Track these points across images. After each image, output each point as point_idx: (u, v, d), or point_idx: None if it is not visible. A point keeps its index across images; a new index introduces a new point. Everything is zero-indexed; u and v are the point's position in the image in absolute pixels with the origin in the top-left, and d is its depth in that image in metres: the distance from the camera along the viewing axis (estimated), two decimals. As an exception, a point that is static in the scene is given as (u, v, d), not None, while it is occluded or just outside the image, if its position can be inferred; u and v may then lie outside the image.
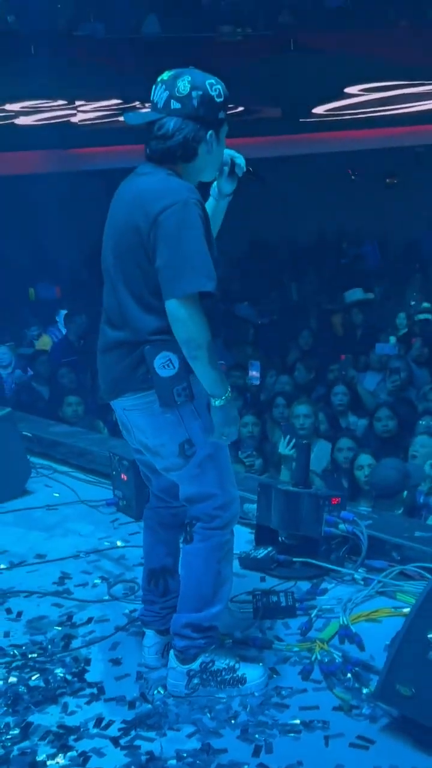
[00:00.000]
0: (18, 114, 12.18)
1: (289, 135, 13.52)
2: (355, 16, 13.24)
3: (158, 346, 2.63)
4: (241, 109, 12.29)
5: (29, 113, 12.24)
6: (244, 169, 2.93)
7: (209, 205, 2.96)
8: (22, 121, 12.28)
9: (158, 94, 2.67)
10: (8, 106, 11.96)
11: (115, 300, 2.74)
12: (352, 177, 15.06)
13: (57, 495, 4.78)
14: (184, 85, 2.64)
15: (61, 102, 12.12)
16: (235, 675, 2.83)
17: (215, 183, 2.96)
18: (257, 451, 6.16)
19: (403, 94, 13.09)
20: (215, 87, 2.67)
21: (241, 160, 2.92)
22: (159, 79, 2.69)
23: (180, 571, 2.94)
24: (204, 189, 2.96)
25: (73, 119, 12.41)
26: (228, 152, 2.88)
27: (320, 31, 12.97)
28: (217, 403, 2.66)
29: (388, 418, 6.34)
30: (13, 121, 12.25)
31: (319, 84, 12.51)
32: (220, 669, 2.82)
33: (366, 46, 12.54)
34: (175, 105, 2.64)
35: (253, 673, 2.85)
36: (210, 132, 2.68)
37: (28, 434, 5.25)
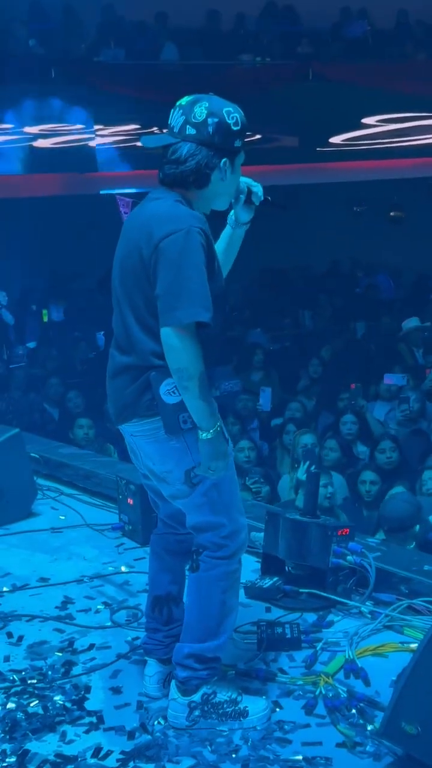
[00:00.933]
0: (36, 137, 12.27)
1: (306, 164, 13.58)
2: (373, 47, 13.34)
3: (164, 373, 2.61)
4: (258, 137, 12.36)
5: (47, 136, 12.32)
6: (262, 198, 2.91)
7: (225, 233, 2.95)
8: (40, 143, 12.37)
9: (175, 118, 2.67)
10: (27, 129, 12.05)
11: (122, 324, 2.73)
12: (356, 209, 15.09)
13: (63, 518, 4.74)
14: (200, 111, 2.63)
15: (79, 126, 12.21)
16: (237, 708, 2.77)
17: (232, 211, 2.94)
18: (264, 478, 6.11)
19: (420, 126, 13.15)
20: (233, 115, 2.66)
21: (258, 189, 2.90)
22: (177, 103, 2.69)
23: (184, 599, 2.90)
24: (222, 217, 2.95)
25: (91, 143, 12.49)
26: (245, 180, 2.87)
27: (339, 62, 13.07)
28: (204, 436, 2.61)
29: (392, 450, 6.30)
30: (31, 143, 12.34)
31: (336, 114, 12.59)
32: (221, 701, 2.77)
33: (384, 77, 12.65)
34: (190, 131, 2.64)
35: (255, 707, 2.79)
36: (224, 160, 2.66)
37: (36, 455, 5.22)
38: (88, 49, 12.81)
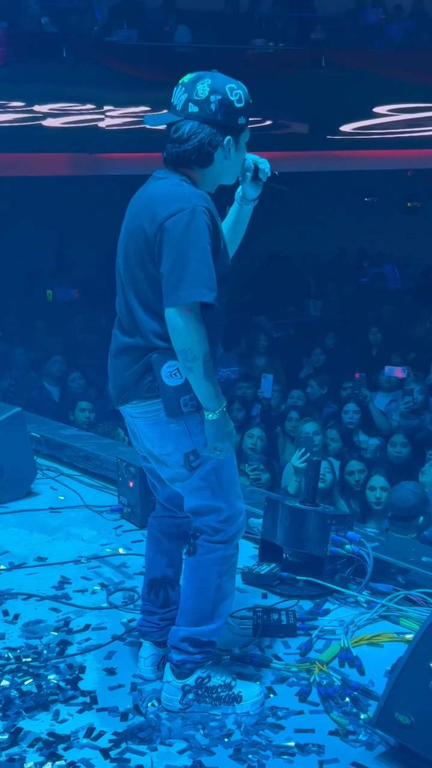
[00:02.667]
0: (46, 116, 12.22)
1: (316, 151, 13.51)
2: (388, 36, 13.24)
3: (166, 355, 2.59)
4: (269, 123, 12.30)
5: (57, 115, 12.26)
6: (269, 174, 2.85)
7: (233, 210, 2.92)
8: (49, 123, 12.31)
9: (177, 96, 2.63)
10: (37, 107, 11.99)
11: (125, 304, 2.72)
12: (366, 200, 15.03)
13: (62, 498, 4.74)
14: (203, 89, 2.58)
15: (89, 106, 12.15)
16: (230, 692, 2.77)
17: (240, 188, 2.91)
18: (265, 465, 6.11)
19: (431, 117, 13.06)
20: (236, 92, 2.61)
21: (265, 165, 2.85)
22: (180, 81, 2.65)
23: (181, 583, 2.89)
24: (230, 196, 2.92)
25: (101, 124, 12.43)
26: (251, 157, 2.82)
27: (352, 49, 12.97)
28: (210, 416, 2.60)
29: (403, 445, 6.28)
30: (40, 122, 12.28)
31: (348, 102, 12.51)
32: (215, 685, 2.77)
33: (397, 66, 12.55)
34: (192, 108, 2.59)
35: (249, 692, 2.79)
36: (228, 138, 2.62)
37: (36, 435, 5.22)
38: (100, 29, 12.72)
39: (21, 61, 11.28)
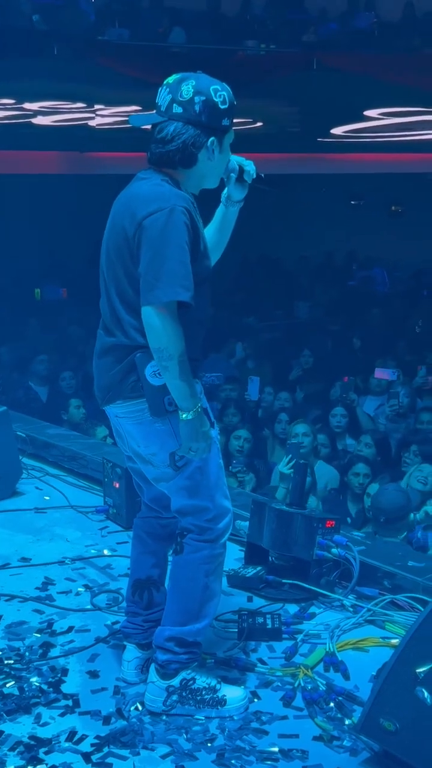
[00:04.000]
0: (36, 113, 12.16)
1: (306, 153, 13.50)
2: (380, 39, 13.25)
3: (150, 354, 2.58)
4: (259, 124, 12.28)
5: (47, 113, 12.22)
6: (254, 176, 2.84)
7: (219, 211, 2.91)
8: (39, 120, 12.26)
9: (162, 97, 2.63)
10: (27, 105, 11.93)
11: (108, 304, 2.71)
12: (353, 203, 15.05)
13: (47, 498, 4.71)
14: (187, 90, 2.58)
15: (80, 104, 12.11)
16: (215, 696, 2.75)
17: (225, 189, 2.89)
18: (248, 467, 6.09)
19: (423, 121, 13.07)
20: (220, 93, 2.60)
21: (250, 167, 2.83)
22: (165, 81, 2.64)
23: (167, 582, 2.87)
24: (215, 198, 2.90)
25: (91, 123, 12.39)
26: (236, 159, 2.81)
27: (344, 52, 12.97)
28: (185, 416, 2.58)
29: (367, 446, 6.30)
30: (30, 120, 12.23)
31: (339, 105, 12.51)
32: (200, 688, 2.75)
33: (389, 70, 12.56)
34: (177, 109, 2.59)
35: (233, 696, 2.77)
36: (212, 139, 2.62)
37: (22, 434, 5.18)
38: (92, 27, 12.68)
39: (12, 59, 11.21)
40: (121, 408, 2.70)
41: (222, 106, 2.61)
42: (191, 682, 2.75)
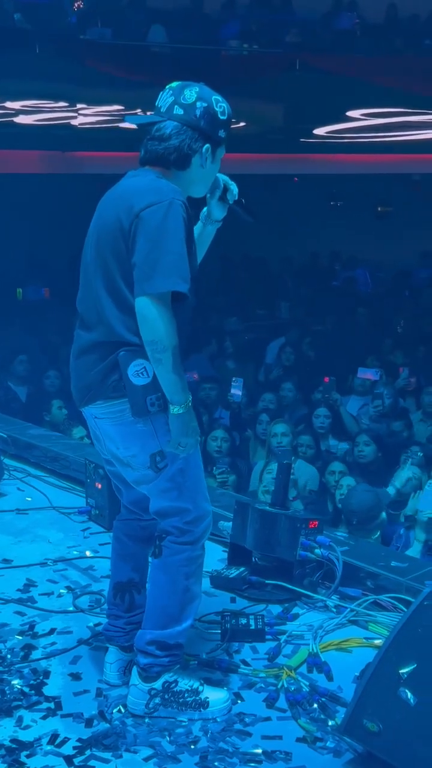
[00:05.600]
0: (18, 112, 12.11)
1: (289, 154, 13.52)
2: (362, 40, 13.28)
3: (133, 353, 2.56)
4: (242, 124, 12.28)
5: (30, 112, 12.16)
6: (236, 198, 2.88)
7: (196, 228, 2.91)
8: (21, 120, 12.21)
9: (164, 99, 2.68)
10: (9, 104, 11.88)
11: (92, 299, 2.67)
12: (332, 203, 15.10)
13: (29, 499, 4.68)
14: (190, 94, 2.65)
15: (62, 104, 12.06)
16: (197, 698, 2.74)
17: (205, 207, 2.92)
18: (231, 467, 6.08)
19: (405, 122, 13.12)
20: (220, 104, 2.68)
21: (234, 188, 2.87)
22: (168, 86, 2.70)
23: (147, 586, 2.85)
24: (194, 212, 2.89)
25: (74, 122, 12.35)
26: (222, 177, 2.84)
27: (326, 53, 12.99)
28: (176, 410, 2.58)
29: (365, 444, 6.29)
30: (12, 119, 12.17)
31: (321, 105, 12.52)
32: (182, 690, 2.73)
33: (371, 71, 12.59)
34: (178, 111, 2.65)
35: (216, 698, 2.76)
36: (207, 146, 2.66)
37: (4, 435, 5.15)
38: (74, 26, 12.63)
39: (-8, 57, 11.17)
40: (101, 408, 2.68)
41: (221, 117, 2.67)
42: (174, 684, 2.74)
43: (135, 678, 2.75)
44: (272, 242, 13.96)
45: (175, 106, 2.64)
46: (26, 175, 12.57)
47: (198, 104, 2.64)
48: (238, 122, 12.10)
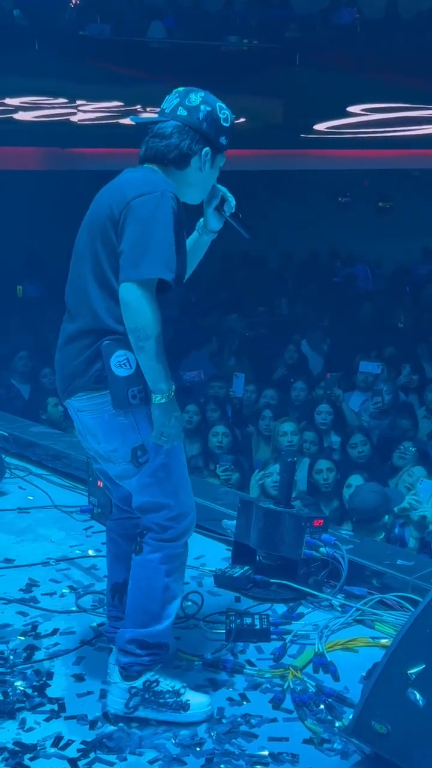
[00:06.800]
0: (17, 109, 12.07)
1: (289, 150, 13.49)
2: (362, 36, 13.25)
3: (117, 343, 2.54)
4: (242, 120, 12.25)
5: (29, 109, 12.13)
6: (233, 210, 2.89)
7: (191, 238, 2.92)
8: (21, 116, 12.17)
9: (169, 101, 2.74)
10: (8, 101, 11.85)
11: (80, 288, 2.66)
12: (341, 200, 15.07)
13: (31, 498, 4.64)
14: (195, 98, 2.70)
15: (62, 100, 12.03)
16: (178, 699, 2.69)
17: (202, 218, 2.92)
18: (234, 465, 6.04)
19: (404, 117, 13.10)
20: (224, 111, 2.72)
21: (232, 201, 2.89)
22: (175, 90, 2.75)
23: (129, 582, 2.80)
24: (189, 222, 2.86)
25: (73, 118, 12.32)
26: (221, 188, 2.86)
27: (326, 48, 12.96)
28: (158, 399, 2.55)
29: (363, 444, 6.28)
30: (11, 116, 12.14)
31: (322, 101, 12.50)
32: (163, 691, 2.69)
33: (371, 66, 12.56)
34: (181, 112, 2.69)
35: (197, 702, 2.70)
36: (206, 150, 2.69)
37: (5, 433, 5.11)
38: (73, 22, 12.60)
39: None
40: (83, 401, 2.65)
41: (224, 123, 2.72)
42: (155, 684, 2.69)
43: (116, 676, 2.71)
44: (272, 239, 13.92)
45: (180, 108, 2.69)
46: (25, 172, 12.53)
47: (202, 107, 2.68)
48: (238, 118, 12.04)
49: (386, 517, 4.73)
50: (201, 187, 2.77)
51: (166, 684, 2.70)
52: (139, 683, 2.69)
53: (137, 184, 2.59)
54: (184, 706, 2.68)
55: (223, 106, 2.73)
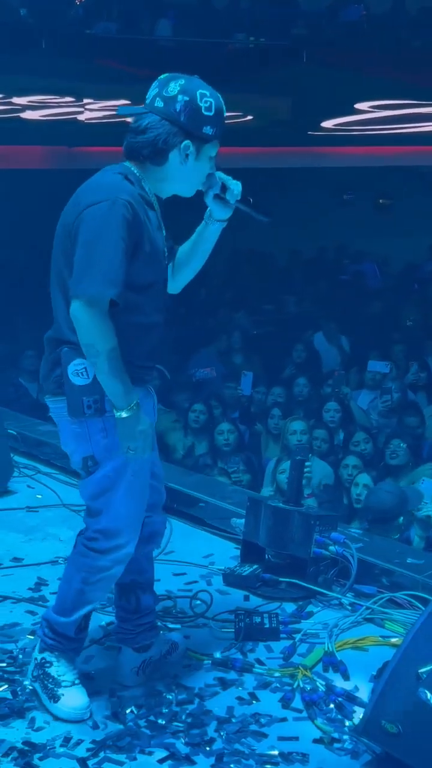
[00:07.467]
0: (25, 108, 12.08)
1: (296, 147, 13.47)
2: (369, 32, 13.21)
3: (76, 351, 2.50)
4: (249, 117, 12.23)
5: (36, 108, 12.13)
6: (239, 198, 2.69)
7: (199, 226, 2.79)
8: (28, 115, 12.18)
9: (150, 91, 2.58)
10: (15, 100, 11.85)
11: (52, 294, 2.65)
12: (346, 197, 15.02)
13: (39, 497, 4.64)
14: (174, 87, 2.52)
15: (69, 98, 12.03)
16: (55, 690, 2.69)
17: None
18: (246, 466, 6.03)
19: (413, 114, 13.06)
20: (207, 99, 2.53)
21: (235, 187, 2.68)
22: (158, 77, 2.60)
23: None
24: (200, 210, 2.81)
25: (80, 117, 12.32)
26: (221, 176, 2.67)
27: (333, 45, 12.93)
28: (119, 414, 2.50)
29: (365, 441, 6.27)
30: (19, 115, 12.15)
31: (329, 98, 12.47)
32: (49, 674, 2.71)
33: (379, 63, 12.52)
34: (158, 103, 2.53)
35: (70, 702, 2.68)
36: (186, 142, 2.53)
37: (13, 432, 5.11)
38: (79, 21, 12.60)
39: (-1, 53, 11.14)
40: (49, 402, 2.66)
41: (206, 113, 2.53)
42: (48, 665, 2.72)
43: (37, 643, 2.77)
44: (279, 236, 13.89)
45: (157, 99, 2.53)
46: (32, 171, 12.53)
47: (179, 97, 2.51)
48: (245, 116, 12.06)
49: (400, 518, 4.70)
50: (187, 181, 2.63)
51: (55, 670, 2.71)
52: (38, 658, 2.73)
53: (91, 191, 2.50)
54: (55, 698, 2.69)
55: (206, 92, 2.54)
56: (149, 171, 2.57)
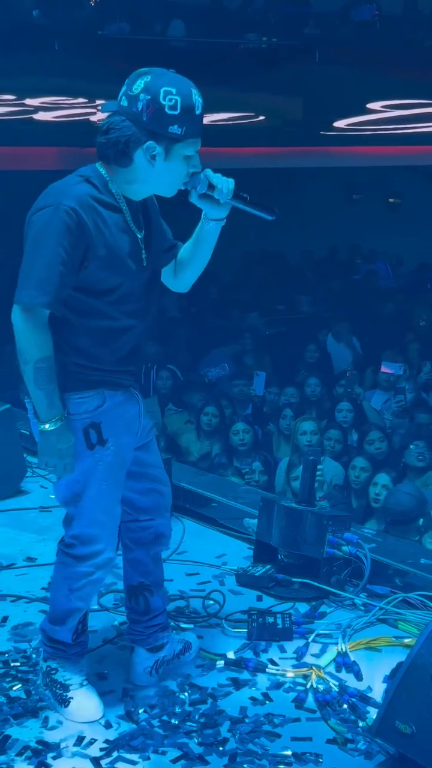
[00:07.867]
0: (37, 109, 12.11)
1: (309, 147, 13.45)
2: (381, 32, 13.18)
3: None
4: (261, 118, 12.22)
5: (49, 109, 12.16)
6: (229, 196, 2.54)
7: (198, 226, 2.71)
8: (41, 116, 12.21)
9: (122, 87, 2.46)
10: (28, 101, 11.88)
11: None
12: (355, 197, 15.00)
13: (52, 497, 4.64)
14: (138, 85, 2.39)
15: (81, 100, 12.05)
16: (63, 694, 2.70)
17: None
18: (265, 466, 6.01)
19: (425, 113, 13.02)
20: (171, 97, 2.36)
21: (224, 185, 2.53)
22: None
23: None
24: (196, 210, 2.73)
25: (93, 118, 12.33)
26: (208, 174, 2.53)
27: (346, 45, 12.91)
28: (41, 427, 2.46)
29: (380, 440, 6.25)
30: (31, 116, 12.18)
31: (341, 98, 12.45)
32: (57, 681, 2.71)
33: (391, 62, 12.49)
34: (123, 102, 2.43)
35: (80, 706, 2.68)
36: (150, 143, 2.40)
37: (26, 432, 5.11)
38: (92, 22, 12.62)
39: (12, 54, 11.15)
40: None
41: (170, 112, 2.36)
42: (54, 672, 2.73)
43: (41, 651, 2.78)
44: (291, 237, 13.88)
45: (123, 97, 2.41)
46: (45, 172, 12.54)
47: (141, 96, 2.37)
48: (257, 116, 12.05)
49: (420, 520, 4.68)
50: (160, 182, 2.50)
51: (61, 675, 2.72)
52: (44, 666, 2.75)
53: (43, 196, 2.46)
54: (65, 702, 2.69)
55: (172, 90, 2.36)
56: (117, 172, 2.48)
